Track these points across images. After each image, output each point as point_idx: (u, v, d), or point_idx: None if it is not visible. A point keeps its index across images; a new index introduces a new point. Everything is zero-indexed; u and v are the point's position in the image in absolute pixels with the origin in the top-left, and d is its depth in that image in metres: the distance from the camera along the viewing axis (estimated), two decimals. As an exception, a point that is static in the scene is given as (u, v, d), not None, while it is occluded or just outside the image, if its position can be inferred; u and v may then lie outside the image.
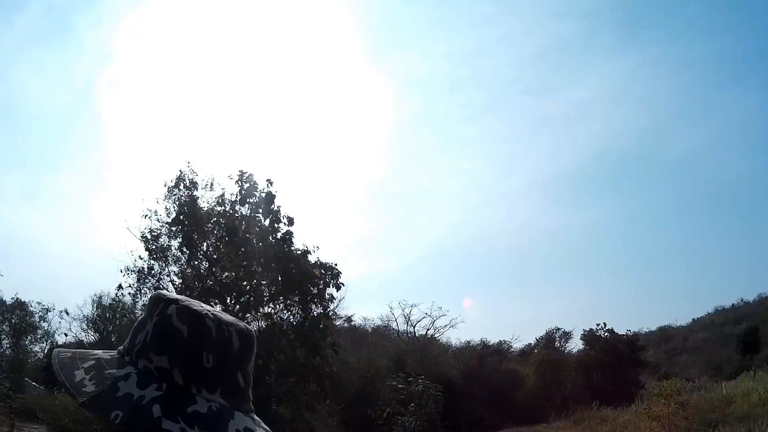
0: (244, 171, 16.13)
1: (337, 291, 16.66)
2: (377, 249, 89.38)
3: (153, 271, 16.22)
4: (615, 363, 43.50)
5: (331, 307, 16.98)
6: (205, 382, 1.21)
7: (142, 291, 16.26)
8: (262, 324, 15.86)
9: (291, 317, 16.27)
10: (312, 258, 16.35)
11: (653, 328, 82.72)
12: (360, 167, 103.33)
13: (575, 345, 52.80)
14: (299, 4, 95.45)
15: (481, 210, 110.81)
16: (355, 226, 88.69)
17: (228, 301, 15.46)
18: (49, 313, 35.92)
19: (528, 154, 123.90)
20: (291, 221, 16.55)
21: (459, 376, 43.10)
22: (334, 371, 17.40)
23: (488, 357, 47.11)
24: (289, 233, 16.51)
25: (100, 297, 32.92)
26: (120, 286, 16.24)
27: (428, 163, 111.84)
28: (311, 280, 16.00)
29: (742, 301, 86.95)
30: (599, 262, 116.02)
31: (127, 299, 17.02)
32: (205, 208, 16.50)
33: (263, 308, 16.20)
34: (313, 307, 16.14)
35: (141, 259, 16.34)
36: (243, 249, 15.84)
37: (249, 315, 15.54)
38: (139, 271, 16.26)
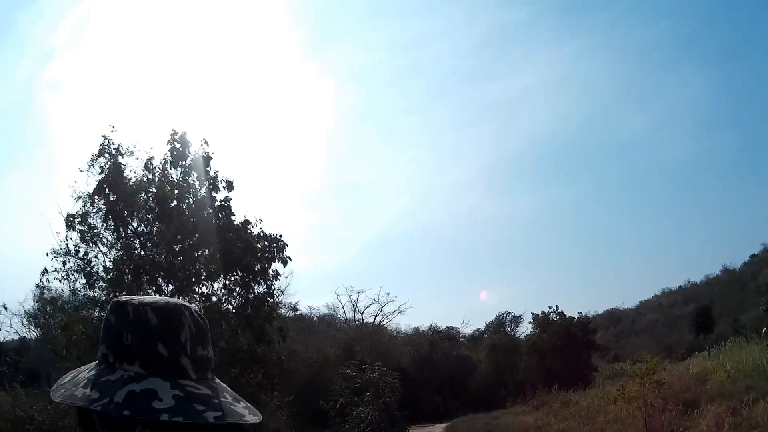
0: (176, 131, 13.95)
1: (284, 266, 14.51)
2: (322, 241, 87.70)
3: (79, 253, 13.72)
4: (568, 346, 42.41)
5: (276, 285, 14.70)
6: (126, 357, 1.35)
7: (70, 276, 13.78)
8: (199, 307, 13.66)
9: (231, 299, 14.03)
10: (254, 230, 14.23)
11: (600, 311, 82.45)
12: (303, 161, 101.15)
13: (526, 329, 51.84)
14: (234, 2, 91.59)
15: (427, 199, 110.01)
16: (300, 219, 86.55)
17: (159, 282, 13.20)
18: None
19: (472, 143, 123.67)
20: (230, 185, 14.15)
21: (411, 363, 41.34)
22: (282, 359, 15.15)
23: (439, 343, 45.48)
24: (227, 199, 14.18)
25: (42, 290, 30.17)
26: (45, 271, 13.69)
27: (372, 155, 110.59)
28: (254, 253, 13.82)
29: (689, 282, 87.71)
30: (546, 246, 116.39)
31: (55, 285, 14.35)
32: (134, 179, 14.17)
33: (198, 288, 13.84)
34: (256, 286, 13.97)
35: (67, 240, 13.83)
36: (175, 221, 13.55)
37: (182, 298, 13.31)
38: (65, 254, 13.78)
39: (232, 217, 13.84)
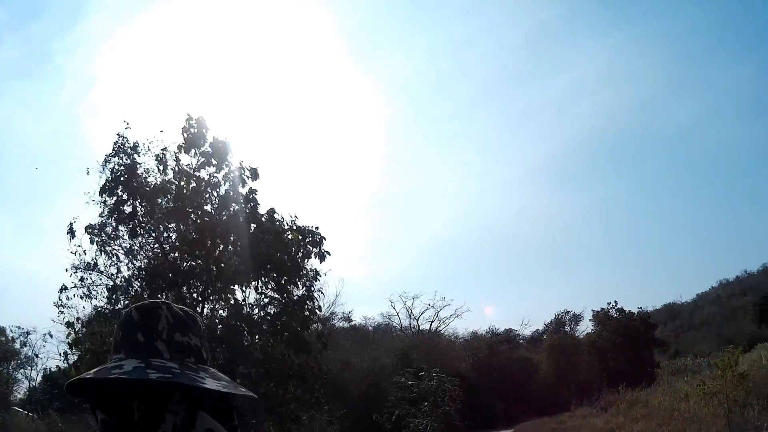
0: (191, 115, 12.69)
1: (321, 262, 13.06)
2: (377, 252, 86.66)
3: (98, 266, 12.62)
4: (629, 343, 40.47)
5: (317, 285, 13.24)
6: (115, 350, 1.55)
7: (92, 291, 12.72)
8: (226, 314, 12.42)
9: (264, 303, 12.70)
10: (284, 221, 12.81)
11: (658, 306, 79.24)
12: (353, 173, 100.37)
13: (586, 327, 49.83)
14: (280, 12, 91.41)
15: (478, 202, 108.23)
16: (353, 232, 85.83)
17: (183, 290, 12.04)
18: (29, 336, 32.43)
19: (519, 143, 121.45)
20: (255, 174, 12.81)
21: (470, 369, 39.84)
22: (325, 369, 13.69)
23: (498, 346, 43.81)
24: (252, 191, 12.83)
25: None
26: (63, 288, 12.67)
27: (421, 161, 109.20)
28: (284, 248, 12.56)
29: (745, 272, 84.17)
30: (600, 242, 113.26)
31: (76, 302, 13.17)
32: (153, 180, 12.92)
33: (227, 294, 12.52)
34: (293, 288, 12.65)
35: (85, 253, 12.75)
36: (193, 217, 12.32)
37: (207, 305, 12.20)
38: (85, 267, 12.74)
39: (257, 210, 12.57)
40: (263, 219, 12.39)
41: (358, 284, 73.39)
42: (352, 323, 43.53)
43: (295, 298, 12.66)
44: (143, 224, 12.68)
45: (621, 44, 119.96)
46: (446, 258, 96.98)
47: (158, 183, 12.68)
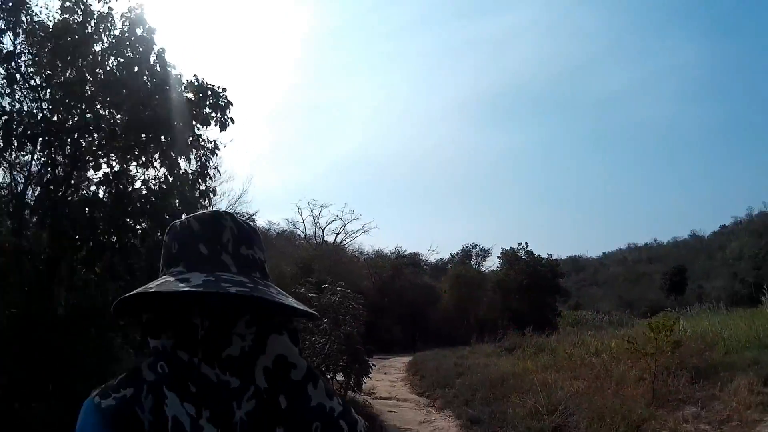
0: None
1: (222, 130, 9.60)
2: (288, 158, 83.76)
3: None
4: (535, 286, 39.56)
5: (213, 161, 9.87)
6: (171, 263, 1.31)
7: None
8: (100, 192, 8.99)
9: (149, 177, 9.26)
10: (176, 73, 9.31)
11: (564, 257, 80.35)
12: (275, 76, 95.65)
13: (493, 264, 48.75)
14: None
15: (399, 126, 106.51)
16: (267, 135, 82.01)
17: (50, 150, 8.55)
18: None
19: (449, 77, 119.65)
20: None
21: (372, 288, 37.72)
22: None
23: (403, 268, 41.86)
24: (150, 31, 9.03)
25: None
26: None
27: (347, 76, 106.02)
28: (177, 106, 9.29)
29: (655, 241, 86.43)
30: (515, 186, 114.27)
31: None
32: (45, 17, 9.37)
33: (98, 161, 8.96)
34: (182, 161, 9.31)
35: None
36: (80, 62, 8.86)
37: (75, 177, 8.79)
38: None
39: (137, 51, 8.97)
40: (156, 67, 8.89)
41: (267, 188, 70.18)
42: (254, 223, 40.37)
43: (184, 173, 9.46)
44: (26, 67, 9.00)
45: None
46: (359, 175, 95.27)
47: (56, 20, 8.95)
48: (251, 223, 1.42)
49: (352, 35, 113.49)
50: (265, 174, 72.61)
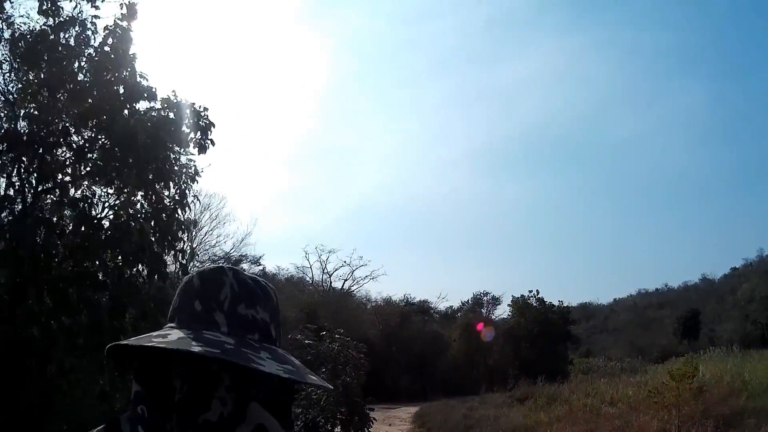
0: None
1: (201, 153, 8.52)
2: (301, 204, 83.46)
3: None
4: (545, 334, 38.27)
5: (194, 188, 8.73)
6: (170, 319, 1.27)
7: None
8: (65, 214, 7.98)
9: (122, 203, 8.17)
10: (150, 85, 8.28)
11: (574, 304, 78.88)
12: (291, 121, 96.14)
13: (503, 311, 47.40)
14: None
15: (411, 173, 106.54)
16: (281, 180, 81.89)
17: (18, 166, 7.64)
18: None
19: (463, 124, 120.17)
20: (132, 11, 8.07)
21: (378, 336, 36.55)
22: None
23: (411, 316, 40.61)
24: (112, 33, 7.99)
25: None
26: None
27: (362, 122, 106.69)
28: (156, 126, 8.23)
29: (666, 286, 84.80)
30: (527, 233, 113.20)
31: None
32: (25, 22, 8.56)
33: (65, 183, 7.98)
34: (161, 188, 8.22)
35: None
36: (45, 64, 7.91)
37: (48, 201, 7.90)
38: None
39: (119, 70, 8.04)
40: (130, 78, 8.00)
41: (277, 233, 69.51)
42: (262, 268, 39.66)
43: (161, 200, 8.53)
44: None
45: (583, 47, 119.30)
46: (370, 222, 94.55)
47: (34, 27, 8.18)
48: (262, 282, 1.35)
49: (369, 82, 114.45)
50: (276, 219, 72.09)
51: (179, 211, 8.46)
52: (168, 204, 8.42)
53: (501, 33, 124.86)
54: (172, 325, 1.24)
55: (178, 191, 8.54)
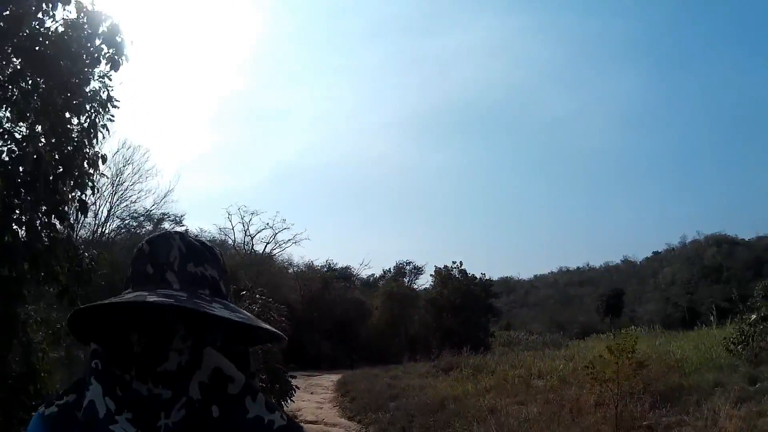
0: None
1: (114, 69, 6.94)
2: (224, 165, 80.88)
3: None
4: (468, 306, 37.79)
5: (105, 118, 7.13)
6: (126, 286, 1.28)
7: None
8: None
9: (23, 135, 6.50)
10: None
11: (495, 278, 79.57)
12: (219, 78, 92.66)
13: (426, 282, 46.80)
14: None
15: (339, 139, 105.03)
16: (206, 138, 78.96)
17: None
18: None
19: (394, 92, 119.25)
20: None
21: (300, 301, 35.16)
22: (86, 256, 7.22)
23: (334, 282, 39.36)
24: None
25: None
26: None
27: (294, 85, 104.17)
28: (60, 42, 6.29)
29: (587, 265, 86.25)
30: (451, 204, 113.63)
31: None
32: None
33: None
34: (69, 115, 6.60)
35: None
36: None
37: None
38: None
39: None
40: None
41: (201, 194, 66.81)
42: (185, 228, 37.50)
43: (72, 130, 6.88)
44: None
45: (525, 26, 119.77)
46: (295, 186, 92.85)
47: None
48: (208, 244, 1.37)
49: (302, 44, 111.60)
50: (200, 178, 69.38)
51: (86, 144, 6.78)
52: (75, 137, 6.72)
53: (442, 5, 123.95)
54: (128, 290, 1.25)
55: (88, 120, 6.85)
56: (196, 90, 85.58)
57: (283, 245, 40.74)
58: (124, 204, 28.56)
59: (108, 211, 27.62)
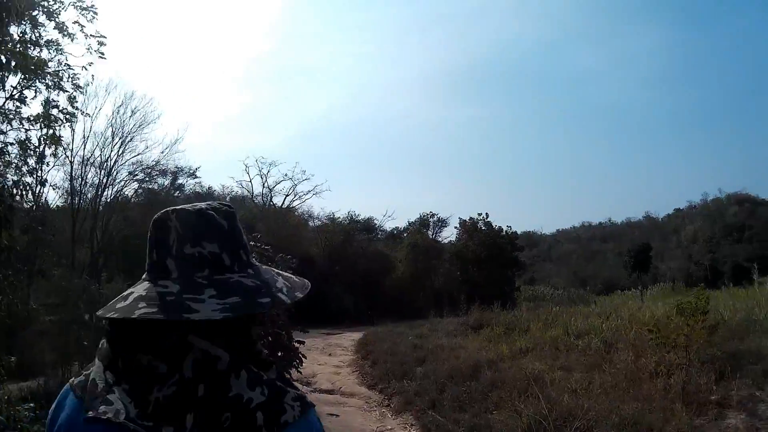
0: None
1: (92, 21, 5.24)
2: (252, 124, 79.54)
3: None
4: (493, 259, 35.77)
5: (75, 78, 5.21)
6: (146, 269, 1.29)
7: None
8: None
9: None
10: None
11: (518, 232, 77.44)
12: (245, 40, 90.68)
13: (450, 234, 44.69)
14: None
15: (364, 94, 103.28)
16: (233, 100, 77.54)
17: None
18: None
19: (418, 48, 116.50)
20: None
21: (321, 255, 33.29)
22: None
23: (356, 234, 37.42)
24: None
25: None
26: None
27: (318, 44, 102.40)
28: None
29: (609, 221, 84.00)
30: (475, 159, 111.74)
31: None
32: None
33: None
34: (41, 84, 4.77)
35: None
36: None
37: None
38: None
39: None
40: None
41: (228, 152, 65.44)
42: (206, 188, 35.92)
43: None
44: None
45: None
46: (319, 143, 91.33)
47: None
48: (207, 211, 1.28)
49: (327, 2, 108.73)
50: (228, 138, 68.02)
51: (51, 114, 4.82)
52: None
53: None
54: (144, 276, 1.26)
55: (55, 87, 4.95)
56: (220, 52, 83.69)
57: (304, 197, 38.88)
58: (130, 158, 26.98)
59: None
